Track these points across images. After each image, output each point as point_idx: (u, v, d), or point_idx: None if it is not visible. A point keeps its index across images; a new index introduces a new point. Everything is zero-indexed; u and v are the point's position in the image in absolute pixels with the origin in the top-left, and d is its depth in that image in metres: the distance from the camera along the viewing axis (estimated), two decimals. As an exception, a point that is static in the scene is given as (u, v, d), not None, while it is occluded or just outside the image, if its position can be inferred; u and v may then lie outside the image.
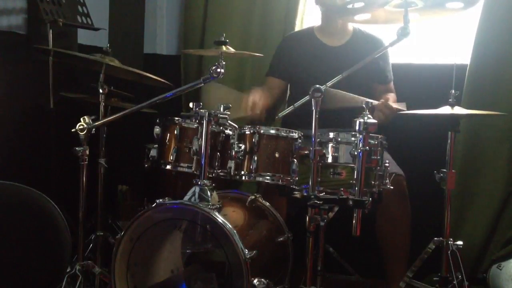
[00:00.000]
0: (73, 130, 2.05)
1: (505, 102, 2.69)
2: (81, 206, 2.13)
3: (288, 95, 2.96)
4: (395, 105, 2.41)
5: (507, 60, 2.71)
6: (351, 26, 2.79)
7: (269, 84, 2.83)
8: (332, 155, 2.04)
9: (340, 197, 1.96)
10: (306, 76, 2.68)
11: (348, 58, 2.53)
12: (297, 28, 3.11)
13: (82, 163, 2.09)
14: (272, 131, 2.11)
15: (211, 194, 2.00)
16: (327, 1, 2.72)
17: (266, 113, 2.58)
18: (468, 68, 2.77)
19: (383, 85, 2.73)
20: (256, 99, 2.50)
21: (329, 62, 2.67)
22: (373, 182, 2.04)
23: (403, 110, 2.38)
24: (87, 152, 2.08)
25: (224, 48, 2.13)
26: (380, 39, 2.77)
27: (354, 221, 1.90)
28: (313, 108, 1.88)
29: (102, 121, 2.24)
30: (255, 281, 1.85)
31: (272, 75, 2.85)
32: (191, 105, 2.06)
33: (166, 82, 2.53)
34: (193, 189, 2.02)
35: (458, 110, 2.17)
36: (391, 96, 2.68)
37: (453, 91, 2.17)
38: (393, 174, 2.24)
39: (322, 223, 1.95)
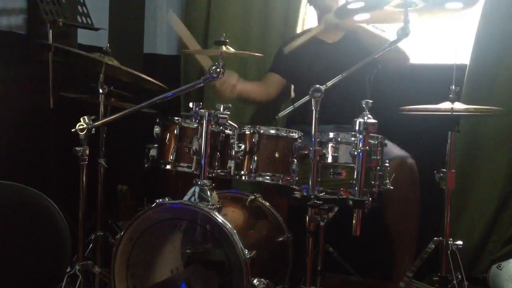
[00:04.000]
0: (73, 130, 2.05)
1: (504, 102, 2.69)
2: (81, 206, 2.12)
3: (292, 96, 2.98)
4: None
5: (507, 60, 2.71)
6: None
7: (269, 79, 2.89)
8: (332, 155, 2.04)
9: (340, 197, 1.96)
10: (309, 73, 2.70)
11: (344, 54, 2.56)
12: (299, 28, 3.12)
13: (82, 163, 2.09)
14: (272, 131, 2.12)
15: (211, 194, 2.00)
16: (319, 3, 2.76)
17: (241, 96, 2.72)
18: (467, 68, 2.77)
19: None
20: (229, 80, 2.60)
21: (327, 58, 2.70)
22: (373, 182, 2.04)
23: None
24: (87, 152, 2.08)
25: (224, 48, 2.13)
26: (379, 34, 2.77)
27: (354, 221, 1.90)
28: (313, 108, 1.88)
29: (102, 121, 2.23)
30: (255, 281, 1.85)
31: (273, 71, 2.90)
32: (191, 105, 2.06)
33: (163, 85, 2.53)
34: (193, 189, 2.02)
35: (459, 105, 2.17)
36: None
37: (453, 87, 2.17)
38: (401, 158, 2.25)
39: (322, 223, 1.95)
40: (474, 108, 2.23)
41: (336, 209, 2.20)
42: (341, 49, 2.74)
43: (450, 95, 2.17)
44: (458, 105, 2.16)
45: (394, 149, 2.26)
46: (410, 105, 2.33)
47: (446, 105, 2.16)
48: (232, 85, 2.62)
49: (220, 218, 1.89)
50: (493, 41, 2.72)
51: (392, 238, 2.51)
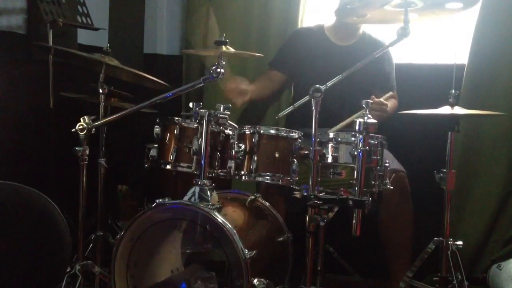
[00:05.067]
0: (73, 130, 2.05)
1: (503, 101, 2.69)
2: (81, 206, 2.12)
3: (292, 94, 2.97)
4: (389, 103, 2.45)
5: (504, 60, 2.71)
6: (361, 29, 2.81)
7: (270, 76, 2.86)
8: (332, 155, 2.03)
9: (340, 197, 1.96)
10: (310, 71, 2.69)
11: (354, 59, 2.53)
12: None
13: (82, 163, 2.09)
14: (272, 131, 2.11)
15: (211, 194, 2.00)
16: None
17: (252, 100, 2.68)
18: (465, 68, 2.77)
19: (385, 93, 2.65)
20: (235, 86, 2.59)
21: (334, 60, 2.66)
22: (373, 182, 2.04)
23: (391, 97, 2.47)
24: (87, 152, 2.08)
25: (224, 48, 2.13)
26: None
27: (354, 221, 1.90)
28: (313, 108, 1.88)
29: (102, 121, 2.24)
30: (255, 281, 1.85)
31: (275, 69, 2.87)
32: (191, 105, 2.06)
33: (163, 83, 2.53)
34: (193, 189, 2.01)
35: (458, 110, 2.18)
36: (392, 102, 2.65)
37: (453, 91, 2.18)
38: (394, 171, 2.24)
39: (322, 223, 1.95)
40: (474, 114, 2.23)
41: (336, 209, 2.20)
42: (349, 54, 2.70)
43: (450, 99, 2.17)
44: (458, 110, 2.17)
45: (391, 161, 2.24)
46: (410, 105, 2.34)
47: (446, 109, 2.17)
48: (243, 92, 2.61)
49: (220, 218, 1.89)
50: (491, 40, 2.72)
51: (386, 251, 2.50)
